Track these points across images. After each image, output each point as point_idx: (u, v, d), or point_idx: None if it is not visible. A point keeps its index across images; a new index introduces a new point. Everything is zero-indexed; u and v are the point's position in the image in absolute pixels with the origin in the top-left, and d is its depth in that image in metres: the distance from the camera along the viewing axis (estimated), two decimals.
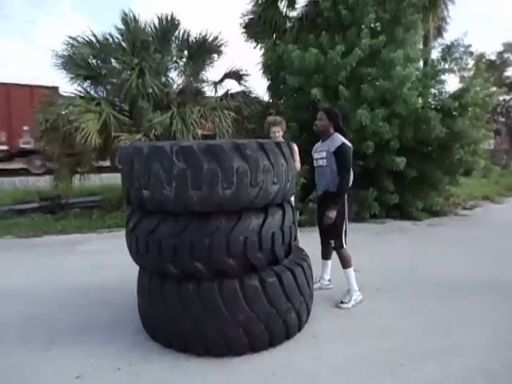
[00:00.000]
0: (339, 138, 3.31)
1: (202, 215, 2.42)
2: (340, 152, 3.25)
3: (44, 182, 10.98)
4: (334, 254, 3.55)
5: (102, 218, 7.51)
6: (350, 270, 3.38)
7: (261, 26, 9.18)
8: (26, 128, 12.93)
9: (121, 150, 2.84)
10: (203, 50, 8.17)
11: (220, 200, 2.36)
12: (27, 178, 13.87)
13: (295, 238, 2.94)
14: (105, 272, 4.36)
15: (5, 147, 13.27)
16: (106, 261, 4.80)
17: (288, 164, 2.66)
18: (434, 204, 7.44)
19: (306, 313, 2.87)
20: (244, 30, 9.85)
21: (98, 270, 4.46)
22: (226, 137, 7.16)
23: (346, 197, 3.36)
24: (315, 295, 3.15)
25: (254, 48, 10.03)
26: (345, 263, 3.37)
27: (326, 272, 3.74)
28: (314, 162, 3.52)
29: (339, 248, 3.35)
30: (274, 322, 2.57)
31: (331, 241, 3.37)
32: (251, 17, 9.41)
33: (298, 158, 4.33)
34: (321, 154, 3.41)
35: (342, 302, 3.27)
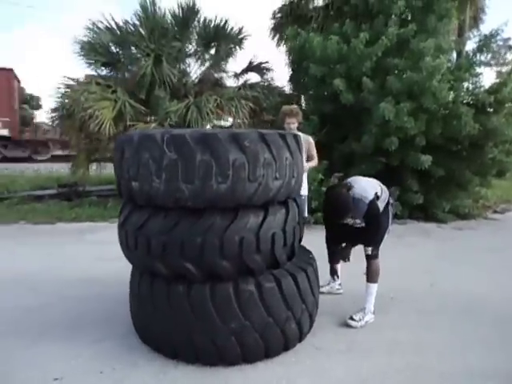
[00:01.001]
0: (360, 201, 2.78)
1: (195, 211, 2.20)
2: (370, 215, 2.81)
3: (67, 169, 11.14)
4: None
5: (116, 208, 7.41)
6: (375, 286, 2.94)
7: (287, 17, 8.90)
8: None
9: (116, 139, 2.66)
10: (222, 38, 7.92)
11: (214, 195, 2.13)
12: (52, 165, 14.13)
13: (301, 239, 2.68)
14: (108, 264, 4.21)
15: None
16: (112, 252, 4.64)
17: (294, 158, 2.39)
18: (462, 206, 6.96)
19: (309, 322, 2.62)
20: (272, 26, 9.62)
21: (102, 262, 4.33)
22: (243, 128, 6.92)
23: (391, 201, 3.01)
24: (322, 301, 2.88)
25: (279, 40, 9.77)
26: (373, 276, 2.92)
27: (336, 275, 3.46)
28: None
29: (374, 257, 2.89)
30: (270, 332, 2.34)
31: (368, 248, 2.87)
32: (279, 15, 9.16)
33: (315, 152, 4.05)
34: (353, 220, 2.96)
35: (351, 319, 2.88)
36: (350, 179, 3.04)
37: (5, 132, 14.73)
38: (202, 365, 2.35)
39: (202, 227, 2.18)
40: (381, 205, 2.92)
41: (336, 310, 3.11)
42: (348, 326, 2.86)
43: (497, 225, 6.82)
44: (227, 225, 2.19)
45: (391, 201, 3.04)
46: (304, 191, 3.77)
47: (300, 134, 3.70)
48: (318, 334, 2.72)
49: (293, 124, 3.82)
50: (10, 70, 15.12)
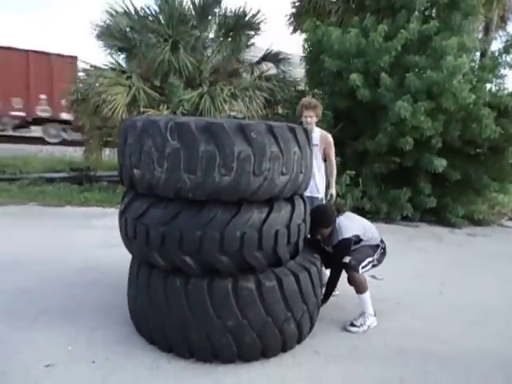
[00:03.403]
0: (341, 231, 2.79)
1: (196, 203, 2.12)
2: (337, 249, 2.82)
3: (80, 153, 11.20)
4: None
5: None
6: (366, 295, 2.83)
7: (305, 9, 8.70)
8: (43, 96, 13.10)
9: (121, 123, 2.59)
10: (241, 27, 7.77)
11: (216, 188, 2.05)
12: (67, 148, 14.20)
13: (305, 237, 2.58)
14: (111, 250, 4.16)
15: (21, 113, 13.36)
16: (116, 238, 4.60)
17: (302, 152, 2.29)
18: (477, 211, 6.74)
19: (310, 324, 2.53)
20: (291, 19, 9.44)
21: (106, 248, 4.30)
22: (256, 119, 6.80)
23: (382, 244, 2.99)
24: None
25: (296, 31, 9.59)
26: (359, 288, 2.80)
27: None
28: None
29: (353, 269, 2.76)
30: (268, 332, 2.26)
31: (347, 257, 2.76)
32: (298, 3, 8.95)
33: (332, 152, 3.56)
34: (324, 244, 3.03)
35: (352, 325, 2.79)
36: (345, 214, 2.98)
37: (68, 116, 14.42)
38: (196, 361, 2.29)
39: (202, 220, 2.10)
40: (366, 243, 2.92)
41: (339, 312, 3.01)
42: (350, 331, 2.76)
43: None
44: (229, 219, 2.11)
45: (382, 244, 2.98)
46: (321, 192, 3.52)
47: (318, 129, 3.52)
48: (318, 336, 2.64)
49: (310, 118, 3.43)
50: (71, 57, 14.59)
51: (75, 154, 12.27)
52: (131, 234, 2.29)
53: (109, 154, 9.20)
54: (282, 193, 2.24)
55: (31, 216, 5.76)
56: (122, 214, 2.40)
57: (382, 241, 3.01)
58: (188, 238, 2.10)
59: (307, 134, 2.39)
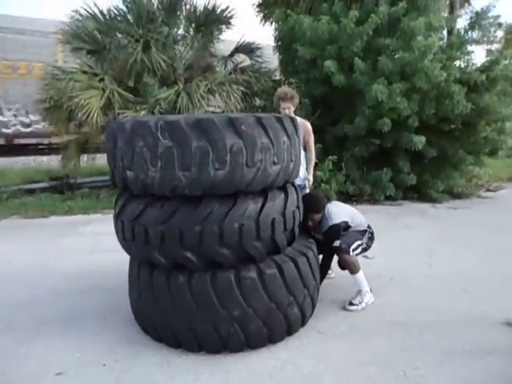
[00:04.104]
0: (326, 219, 2.94)
1: (192, 199, 2.15)
2: (327, 235, 2.94)
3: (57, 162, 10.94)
4: None
5: (109, 198, 7.33)
6: (360, 274, 2.92)
7: None
8: None
9: (107, 126, 2.57)
10: (212, 22, 7.73)
11: (211, 182, 2.08)
12: (42, 158, 13.83)
13: (300, 224, 2.64)
14: (104, 256, 4.17)
15: None
16: (106, 243, 4.55)
17: (291, 141, 2.35)
18: (456, 185, 6.98)
19: (311, 307, 2.61)
20: (258, 9, 9.45)
21: (96, 254, 4.28)
22: (235, 113, 6.81)
23: (370, 230, 3.11)
24: (322, 285, 2.91)
25: (265, 21, 9.61)
26: (352, 269, 2.90)
27: None
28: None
29: (344, 252, 2.86)
30: (273, 318, 2.33)
31: (337, 241, 2.86)
32: None
33: (312, 141, 3.57)
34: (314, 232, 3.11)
35: (351, 304, 2.89)
36: (333, 202, 3.14)
37: None
38: (205, 353, 2.34)
39: (200, 215, 2.13)
40: (353, 229, 3.05)
41: (337, 292, 3.11)
42: (349, 310, 2.86)
43: (490, 203, 6.87)
44: (226, 212, 2.15)
45: (370, 230, 3.11)
46: (303, 179, 3.55)
47: (296, 118, 3.56)
48: (320, 317, 2.72)
49: (288, 109, 3.39)
50: None
51: (52, 162, 12.00)
52: (129, 236, 2.30)
53: (87, 160, 9.05)
54: (274, 182, 2.29)
55: (15, 229, 5.63)
56: (117, 217, 2.40)
57: (368, 226, 3.14)
58: (188, 234, 2.13)
59: (294, 122, 2.45)
